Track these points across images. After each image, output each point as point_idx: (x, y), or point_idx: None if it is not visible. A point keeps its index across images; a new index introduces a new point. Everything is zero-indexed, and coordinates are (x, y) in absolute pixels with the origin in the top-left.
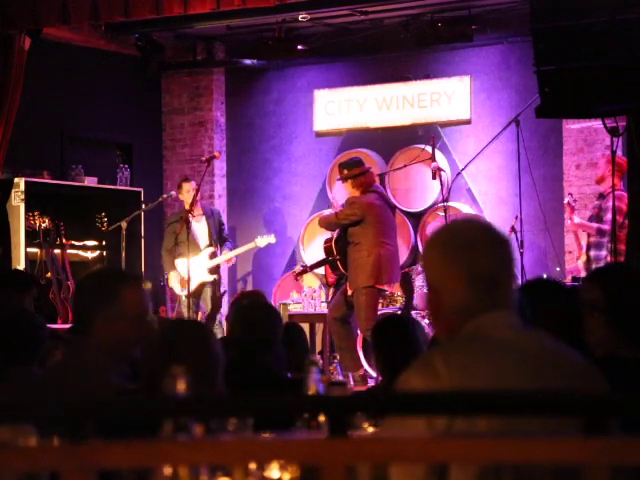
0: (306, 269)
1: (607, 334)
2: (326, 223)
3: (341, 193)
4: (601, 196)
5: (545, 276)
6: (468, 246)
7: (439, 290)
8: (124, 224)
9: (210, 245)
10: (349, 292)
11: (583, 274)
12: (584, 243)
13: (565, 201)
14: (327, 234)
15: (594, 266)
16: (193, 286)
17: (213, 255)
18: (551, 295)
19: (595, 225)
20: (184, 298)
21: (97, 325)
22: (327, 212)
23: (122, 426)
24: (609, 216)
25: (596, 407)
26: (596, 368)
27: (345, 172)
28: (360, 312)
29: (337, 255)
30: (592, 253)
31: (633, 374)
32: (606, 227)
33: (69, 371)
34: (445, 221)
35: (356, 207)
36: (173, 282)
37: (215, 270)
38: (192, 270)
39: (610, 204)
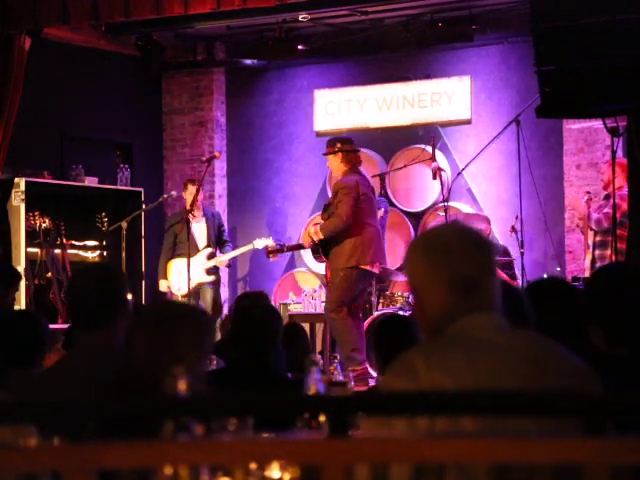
0: (282, 248)
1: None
2: (333, 228)
3: None
4: (607, 197)
5: (545, 276)
6: (447, 251)
7: (421, 294)
8: (124, 224)
9: (208, 246)
10: (328, 275)
11: (588, 273)
12: (591, 242)
13: (585, 199)
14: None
15: (598, 265)
16: (190, 286)
17: (211, 256)
18: (552, 295)
19: (595, 216)
20: (180, 299)
21: (123, 314)
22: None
23: (122, 426)
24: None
25: (595, 407)
26: (589, 367)
27: (339, 145)
28: (334, 291)
29: (325, 256)
30: (597, 252)
31: (609, 371)
32: (601, 217)
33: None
34: (445, 221)
35: (350, 190)
36: (162, 287)
37: (213, 271)
38: (190, 270)
39: (617, 203)
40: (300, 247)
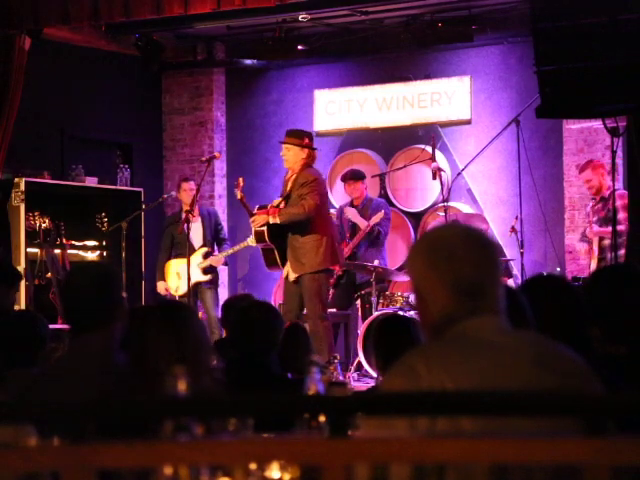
0: (242, 202)
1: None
2: (292, 217)
3: (341, 194)
4: (603, 199)
5: (545, 273)
6: (450, 254)
7: (424, 296)
8: (124, 224)
9: (204, 245)
10: (292, 277)
11: None
12: (596, 248)
13: (579, 247)
14: None
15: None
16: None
17: (207, 255)
18: (551, 292)
19: (610, 228)
20: (178, 299)
21: (117, 316)
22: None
23: (121, 425)
24: (621, 215)
25: (596, 407)
26: (590, 367)
27: (307, 141)
28: (315, 297)
29: (269, 240)
30: (609, 255)
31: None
32: (622, 227)
33: (91, 368)
34: (445, 221)
35: (319, 185)
36: (160, 289)
37: (209, 270)
38: (186, 270)
39: (618, 203)
40: (250, 214)
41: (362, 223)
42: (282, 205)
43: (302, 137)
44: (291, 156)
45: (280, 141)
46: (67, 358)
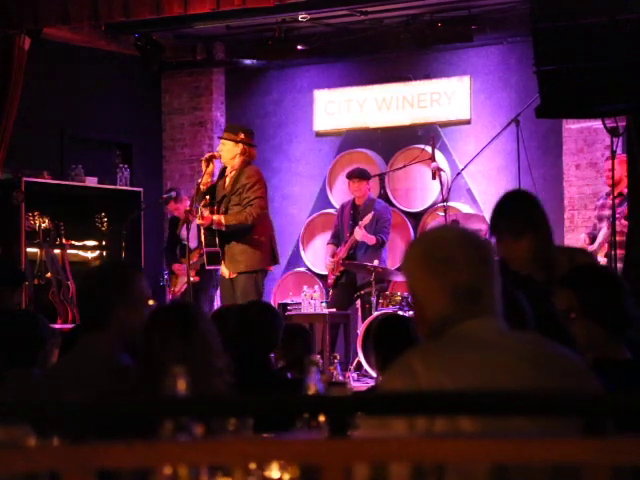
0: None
1: (591, 337)
2: (238, 223)
3: (341, 194)
4: (621, 195)
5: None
6: (447, 258)
7: (421, 300)
8: (124, 224)
9: (198, 246)
10: (230, 274)
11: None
12: (606, 244)
13: (582, 236)
14: (327, 234)
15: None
16: (179, 285)
17: (199, 256)
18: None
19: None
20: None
21: (116, 316)
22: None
23: (121, 425)
24: None
25: (596, 407)
26: (588, 367)
27: (242, 136)
28: (250, 297)
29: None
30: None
31: (625, 376)
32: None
33: (90, 366)
34: (445, 221)
35: (264, 185)
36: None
37: (201, 271)
38: (181, 270)
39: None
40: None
41: (370, 240)
42: (208, 196)
43: (237, 132)
44: (225, 151)
45: (218, 136)
46: (72, 357)
